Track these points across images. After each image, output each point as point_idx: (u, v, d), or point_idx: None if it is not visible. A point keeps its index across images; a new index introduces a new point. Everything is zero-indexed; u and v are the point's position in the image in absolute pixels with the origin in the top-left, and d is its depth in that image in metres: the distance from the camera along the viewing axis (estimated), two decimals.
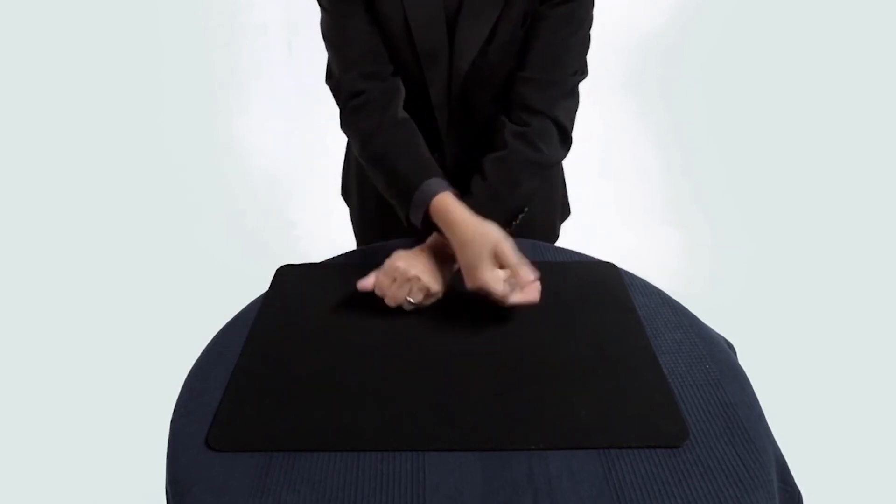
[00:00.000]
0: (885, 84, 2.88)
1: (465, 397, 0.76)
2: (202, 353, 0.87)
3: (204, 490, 0.66)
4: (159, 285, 2.28)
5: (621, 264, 1.04)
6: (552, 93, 0.98)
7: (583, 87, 1.03)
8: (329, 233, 2.01)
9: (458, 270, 0.90)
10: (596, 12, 0.99)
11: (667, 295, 0.98)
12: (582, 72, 1.01)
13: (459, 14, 0.95)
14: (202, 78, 3.03)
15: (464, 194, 0.97)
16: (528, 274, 0.87)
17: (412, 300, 0.89)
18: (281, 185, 2.78)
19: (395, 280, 0.90)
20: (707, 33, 2.99)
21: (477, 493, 0.65)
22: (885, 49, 2.89)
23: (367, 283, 0.91)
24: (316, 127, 2.25)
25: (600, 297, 0.95)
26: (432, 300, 0.91)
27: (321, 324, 0.90)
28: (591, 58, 1.02)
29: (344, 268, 1.03)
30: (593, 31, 1.00)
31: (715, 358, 0.84)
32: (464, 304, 0.90)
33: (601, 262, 1.06)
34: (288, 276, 1.02)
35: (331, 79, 1.03)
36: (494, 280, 0.85)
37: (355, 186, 1.25)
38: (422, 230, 0.95)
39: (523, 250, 1.07)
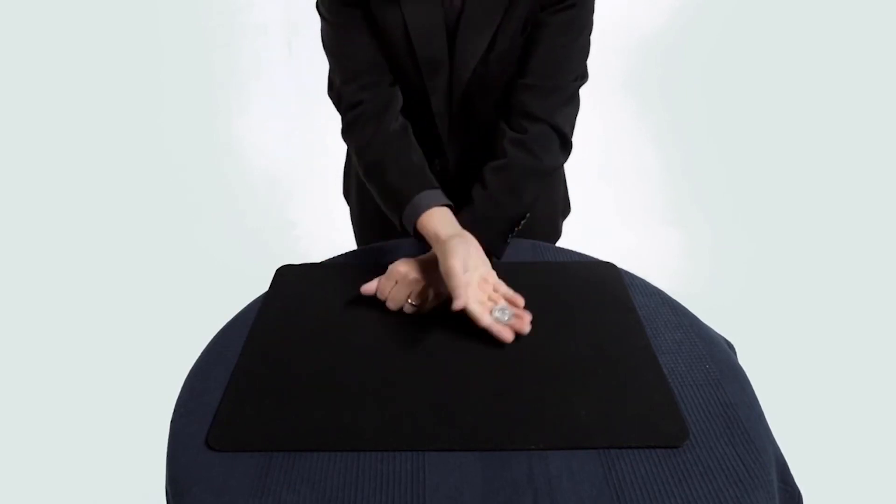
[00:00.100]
0: (885, 84, 2.88)
1: (465, 397, 0.76)
2: (202, 353, 0.87)
3: (204, 490, 0.66)
4: (159, 285, 2.28)
5: (621, 264, 1.04)
6: (553, 99, 0.98)
7: (583, 87, 1.03)
8: (329, 233, 2.02)
9: None
10: (596, 12, 0.99)
11: (667, 295, 0.98)
12: (582, 77, 1.01)
13: (460, 23, 0.95)
14: (202, 78, 3.03)
15: (465, 202, 0.97)
16: (519, 300, 0.88)
17: (413, 303, 0.90)
18: (281, 185, 2.79)
19: (396, 283, 0.90)
20: (707, 34, 2.99)
21: (477, 493, 0.65)
22: (885, 49, 2.89)
23: (370, 287, 0.92)
24: (316, 127, 2.25)
25: (600, 297, 0.95)
26: (433, 304, 0.91)
27: (321, 324, 0.90)
28: (591, 58, 1.02)
29: (344, 268, 1.04)
30: (593, 31, 1.00)
31: (715, 358, 0.84)
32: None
33: (601, 262, 1.06)
34: (288, 276, 1.02)
35: (332, 90, 1.04)
36: (472, 300, 0.85)
37: (355, 187, 1.25)
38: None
39: (523, 250, 1.08)
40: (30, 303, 2.20)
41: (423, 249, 0.96)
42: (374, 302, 0.91)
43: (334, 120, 1.04)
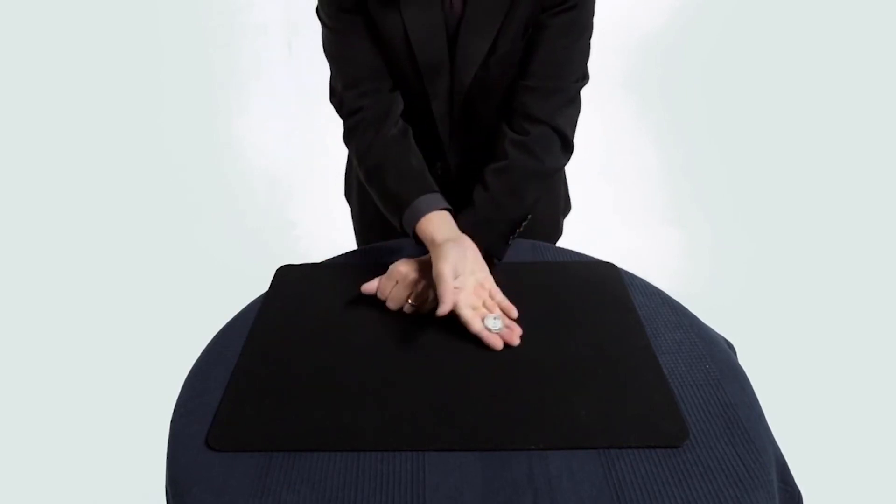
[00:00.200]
0: (885, 84, 2.88)
1: (465, 397, 0.76)
2: (202, 353, 0.87)
3: (204, 490, 0.66)
4: (159, 285, 2.28)
5: (621, 264, 1.04)
6: (554, 101, 0.98)
7: (583, 87, 1.03)
8: (329, 233, 2.02)
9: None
10: (596, 13, 0.99)
11: (667, 295, 0.98)
12: (583, 78, 1.01)
13: (460, 27, 0.95)
14: (202, 78, 3.03)
15: (466, 204, 0.97)
16: (513, 312, 0.88)
17: (413, 303, 0.90)
18: (281, 185, 2.79)
19: (397, 283, 0.90)
20: (707, 33, 2.99)
21: (477, 493, 0.65)
22: (885, 49, 2.89)
23: (371, 286, 0.92)
24: (316, 127, 2.25)
25: (600, 297, 0.95)
26: (433, 305, 0.91)
27: (321, 324, 0.90)
28: (592, 58, 1.02)
29: (344, 268, 1.04)
30: (593, 31, 1.00)
31: (715, 358, 0.84)
32: None
33: (601, 262, 1.06)
34: (288, 276, 1.02)
35: (334, 96, 1.04)
36: (464, 304, 0.85)
37: (356, 188, 1.25)
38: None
39: (523, 250, 1.08)
40: (30, 303, 2.20)
41: (423, 250, 0.96)
42: (375, 302, 0.91)
43: (334, 120, 1.04)
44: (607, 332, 0.88)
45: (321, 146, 2.12)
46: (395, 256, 0.95)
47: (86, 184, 2.69)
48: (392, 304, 0.90)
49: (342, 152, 1.30)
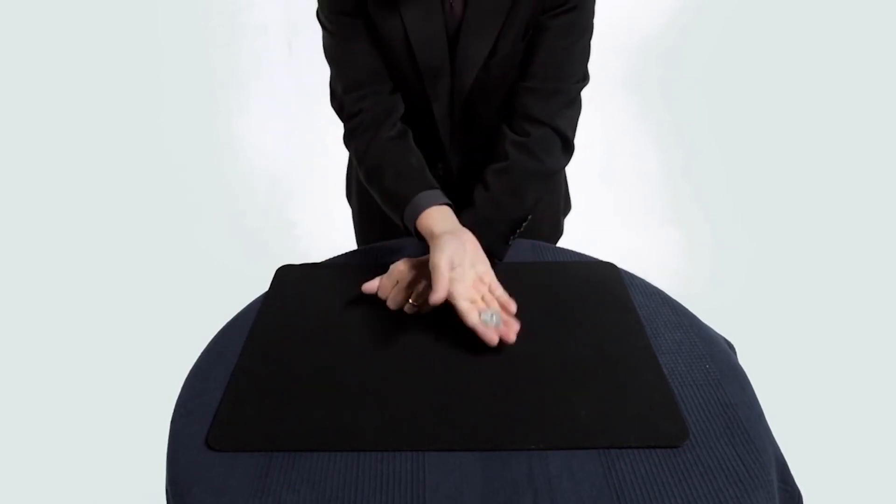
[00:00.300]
0: (885, 84, 2.88)
1: (465, 397, 0.76)
2: (202, 353, 0.87)
3: (204, 490, 0.66)
4: (159, 285, 2.28)
5: (621, 264, 1.04)
6: (555, 102, 0.98)
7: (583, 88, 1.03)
8: (329, 233, 2.02)
9: None
10: (596, 14, 0.99)
11: (667, 295, 0.98)
12: (584, 79, 1.01)
13: (461, 30, 0.95)
14: (202, 78, 3.03)
15: (467, 205, 0.97)
16: (512, 307, 0.86)
17: (413, 303, 0.89)
18: (281, 185, 2.79)
19: (397, 283, 0.90)
20: (707, 35, 2.99)
21: (477, 493, 0.65)
22: (885, 49, 2.89)
23: (372, 285, 0.92)
24: (316, 127, 2.25)
25: (600, 297, 0.95)
26: (433, 305, 0.91)
27: (321, 324, 0.90)
28: (592, 58, 1.02)
29: (344, 268, 1.04)
30: (594, 32, 1.00)
31: (715, 358, 0.84)
32: None
33: (601, 262, 1.06)
34: (288, 276, 1.02)
35: (334, 99, 1.04)
36: (461, 297, 0.84)
37: (356, 188, 1.25)
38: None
39: (523, 250, 1.08)
40: (30, 303, 2.20)
41: (424, 249, 0.96)
42: (375, 302, 0.91)
43: (334, 121, 1.05)
44: (607, 332, 0.88)
45: (321, 146, 2.12)
46: (395, 256, 0.95)
47: (86, 184, 2.69)
48: (392, 304, 0.90)
49: (342, 152, 1.30)
